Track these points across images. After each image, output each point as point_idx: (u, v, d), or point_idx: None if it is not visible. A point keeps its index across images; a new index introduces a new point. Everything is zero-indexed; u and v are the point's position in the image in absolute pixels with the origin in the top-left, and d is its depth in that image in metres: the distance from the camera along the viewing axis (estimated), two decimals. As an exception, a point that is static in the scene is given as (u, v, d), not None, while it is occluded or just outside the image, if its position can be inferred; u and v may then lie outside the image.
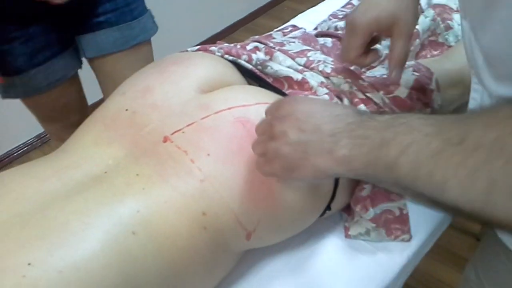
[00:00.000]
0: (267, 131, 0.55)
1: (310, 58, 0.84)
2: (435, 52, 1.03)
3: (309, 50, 0.87)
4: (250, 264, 0.72)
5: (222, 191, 0.60)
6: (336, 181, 0.70)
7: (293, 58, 0.84)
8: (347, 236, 0.76)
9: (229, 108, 0.65)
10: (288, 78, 0.78)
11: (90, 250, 0.50)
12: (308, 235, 0.76)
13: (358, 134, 0.46)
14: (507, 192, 0.33)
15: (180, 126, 0.64)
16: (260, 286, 0.70)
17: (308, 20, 1.29)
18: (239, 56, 0.81)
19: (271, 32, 1.07)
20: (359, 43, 0.70)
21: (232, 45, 0.86)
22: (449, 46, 1.04)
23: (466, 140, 0.36)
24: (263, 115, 0.58)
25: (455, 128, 0.38)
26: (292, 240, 0.74)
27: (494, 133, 0.35)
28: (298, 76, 0.78)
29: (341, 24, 1.05)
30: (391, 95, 0.80)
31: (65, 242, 0.50)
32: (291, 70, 0.79)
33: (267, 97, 0.69)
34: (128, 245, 0.52)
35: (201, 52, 0.82)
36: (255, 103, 0.67)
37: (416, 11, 0.69)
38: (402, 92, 0.81)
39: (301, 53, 0.86)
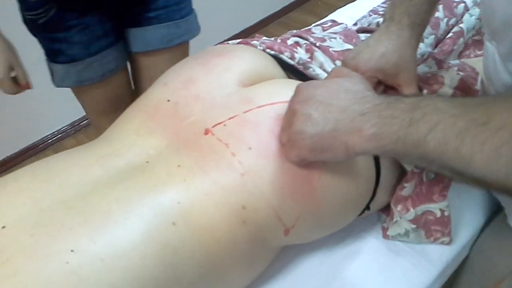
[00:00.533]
0: (290, 118, 0.57)
1: None
2: (479, 52, 0.99)
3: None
4: (285, 262, 0.72)
5: (262, 185, 0.59)
6: (377, 180, 0.69)
7: (333, 60, 0.83)
8: (385, 236, 0.75)
9: (272, 104, 0.65)
10: None
11: (132, 239, 0.51)
12: (345, 234, 0.75)
13: (387, 114, 0.49)
14: None
15: (221, 119, 0.63)
16: (295, 284, 0.70)
17: (346, 15, 1.27)
18: (281, 52, 0.80)
19: (311, 27, 1.06)
20: None
21: (273, 39, 0.85)
22: (494, 46, 1.01)
23: (491, 121, 0.41)
24: None
25: (480, 110, 0.42)
26: (328, 239, 0.74)
27: None
28: None
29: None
30: (435, 95, 0.78)
31: (107, 230, 0.50)
32: None
33: None
34: (168, 236, 0.53)
35: (243, 45, 0.81)
36: None
37: (416, 58, 0.72)
38: (446, 91, 0.79)
39: (342, 54, 0.85)
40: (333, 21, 1.10)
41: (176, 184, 0.57)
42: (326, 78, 0.74)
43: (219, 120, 0.63)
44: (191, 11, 1.12)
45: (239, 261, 0.60)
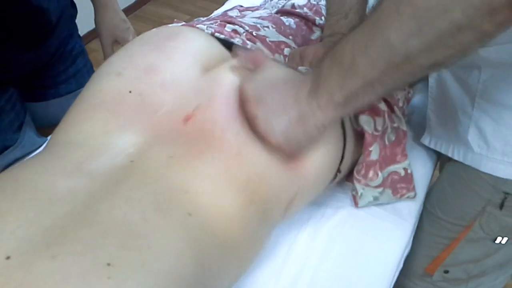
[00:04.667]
0: (253, 122, 0.58)
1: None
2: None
3: (286, 45, 0.87)
4: (275, 242, 0.71)
5: (259, 161, 0.58)
6: (344, 143, 0.71)
7: (272, 53, 0.83)
8: (356, 205, 0.77)
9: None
10: None
11: (163, 239, 0.45)
12: (324, 208, 0.77)
13: (323, 78, 0.54)
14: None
15: (200, 101, 0.60)
16: (289, 260, 0.69)
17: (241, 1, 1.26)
18: (232, 37, 0.77)
19: (227, 11, 1.03)
20: None
21: (212, 24, 0.81)
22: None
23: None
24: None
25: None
26: (310, 216, 0.75)
27: None
28: None
29: (297, 1, 1.04)
30: None
31: (134, 235, 0.44)
32: None
33: None
34: (189, 228, 0.49)
35: (190, 27, 0.75)
36: None
37: None
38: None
39: (278, 46, 0.86)
40: (241, 6, 1.09)
41: (176, 175, 0.53)
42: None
43: (196, 104, 0.59)
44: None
45: (251, 239, 0.58)
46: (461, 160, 0.74)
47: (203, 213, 0.51)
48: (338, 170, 0.73)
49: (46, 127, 0.90)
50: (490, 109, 0.68)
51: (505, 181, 0.69)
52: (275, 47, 0.85)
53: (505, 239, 0.75)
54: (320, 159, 0.65)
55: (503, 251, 0.77)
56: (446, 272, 0.81)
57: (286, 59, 0.84)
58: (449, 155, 0.77)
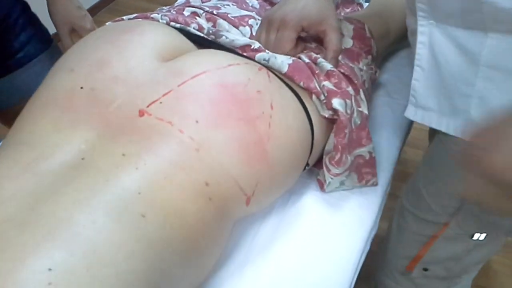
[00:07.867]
0: None
1: (254, 29, 0.83)
2: (347, 10, 1.09)
3: (249, 17, 0.85)
4: (242, 233, 0.70)
5: (220, 158, 0.56)
6: (312, 137, 0.71)
7: (236, 26, 0.82)
8: (323, 190, 0.77)
9: (205, 72, 0.61)
10: (246, 47, 0.74)
11: (111, 241, 0.44)
12: (288, 195, 0.76)
13: None
14: None
15: (154, 96, 0.57)
16: (256, 254, 0.68)
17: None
18: (187, 24, 0.75)
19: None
20: (293, 36, 0.75)
21: (170, 11, 0.79)
22: (358, 4, 1.11)
23: None
24: (240, 77, 0.61)
25: None
26: (274, 204, 0.74)
27: None
28: (255, 45, 0.73)
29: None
30: None
31: (80, 237, 0.43)
32: (248, 39, 0.75)
33: (235, 59, 0.66)
34: (142, 230, 0.48)
35: (145, 20, 0.74)
36: (228, 64, 0.64)
37: (334, 7, 0.78)
38: (347, 42, 0.84)
39: (242, 19, 0.84)
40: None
41: (129, 174, 0.51)
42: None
43: (151, 98, 0.57)
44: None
45: (210, 240, 0.57)
46: (458, 135, 0.67)
47: (158, 213, 0.50)
48: (307, 164, 0.72)
49: (16, 105, 0.85)
50: (498, 78, 0.61)
51: None
52: (239, 21, 0.83)
53: (483, 235, 0.73)
54: (284, 152, 0.64)
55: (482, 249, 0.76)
56: (426, 269, 0.80)
57: (252, 30, 0.83)
58: (443, 129, 0.70)
